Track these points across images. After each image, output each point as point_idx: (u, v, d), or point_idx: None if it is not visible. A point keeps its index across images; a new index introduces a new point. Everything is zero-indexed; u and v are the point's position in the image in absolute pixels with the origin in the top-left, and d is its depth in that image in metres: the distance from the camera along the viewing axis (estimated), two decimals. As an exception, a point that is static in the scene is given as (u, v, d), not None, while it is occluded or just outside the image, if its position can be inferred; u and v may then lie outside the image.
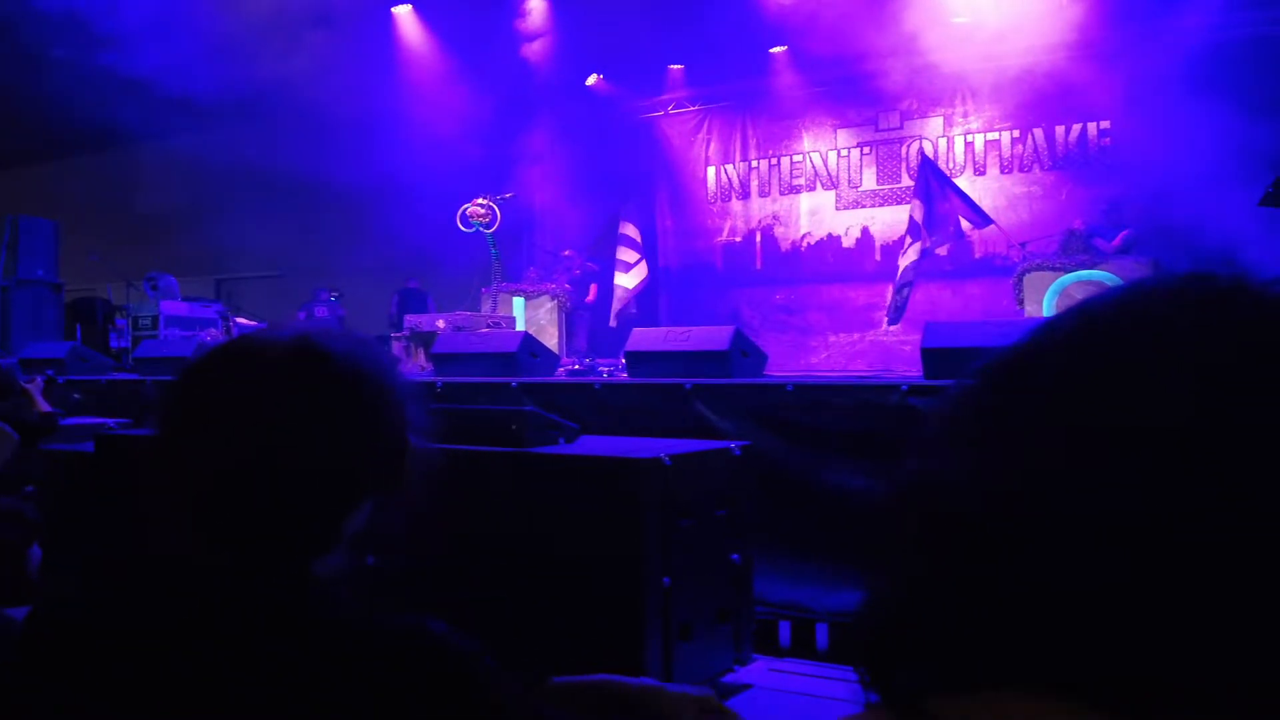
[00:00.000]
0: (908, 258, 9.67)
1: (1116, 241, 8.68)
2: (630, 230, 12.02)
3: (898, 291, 9.81)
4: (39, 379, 5.19)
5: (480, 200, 9.37)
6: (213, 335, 10.02)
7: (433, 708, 0.89)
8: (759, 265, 12.73)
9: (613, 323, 11.47)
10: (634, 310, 11.79)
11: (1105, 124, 10.53)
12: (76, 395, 6.81)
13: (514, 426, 3.62)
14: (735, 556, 3.74)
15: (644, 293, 12.14)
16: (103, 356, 8.51)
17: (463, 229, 9.44)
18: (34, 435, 4.74)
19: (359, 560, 1.03)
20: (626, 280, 11.81)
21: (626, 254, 11.88)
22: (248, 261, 15.20)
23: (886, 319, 10.25)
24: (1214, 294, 0.46)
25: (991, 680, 0.43)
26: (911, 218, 9.75)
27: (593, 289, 11.30)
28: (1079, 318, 0.49)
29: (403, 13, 12.27)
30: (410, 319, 8.16)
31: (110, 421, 5.55)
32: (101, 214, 15.72)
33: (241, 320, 10.64)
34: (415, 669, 0.89)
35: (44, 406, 5.02)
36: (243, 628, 0.90)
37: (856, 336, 11.68)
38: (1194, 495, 0.40)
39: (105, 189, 16.08)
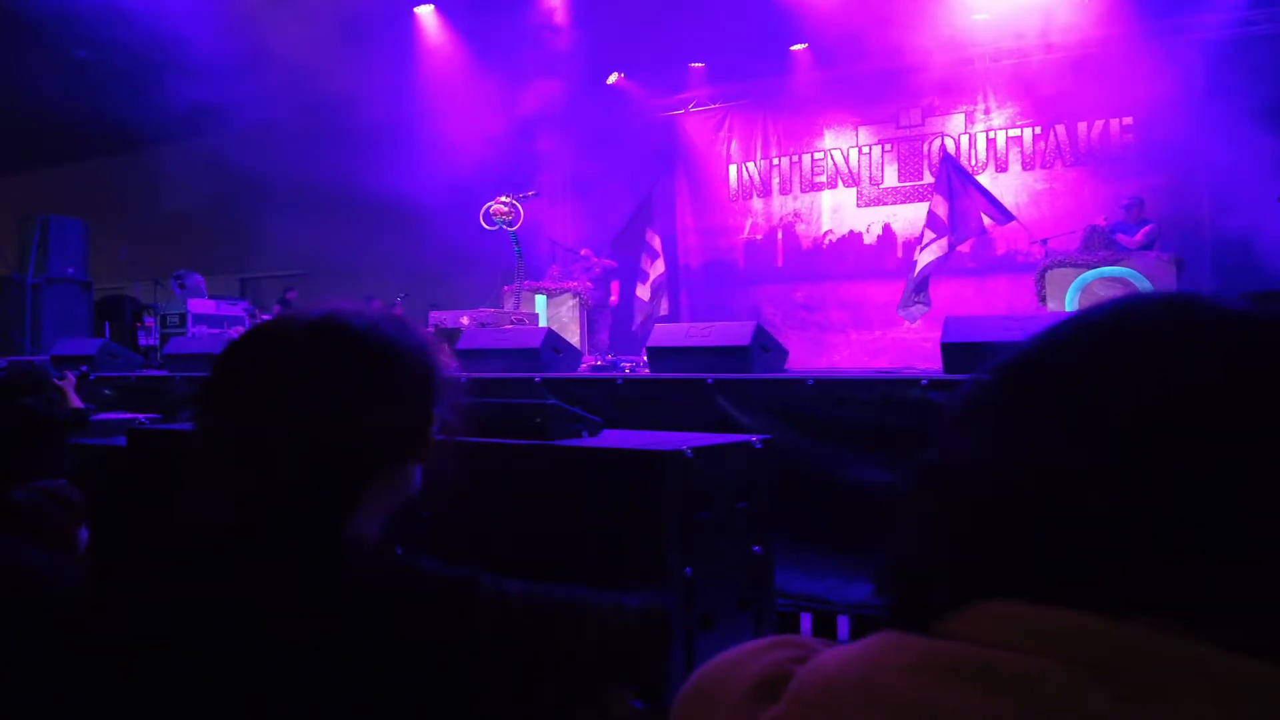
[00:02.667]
0: (927, 253, 9.66)
1: (1139, 237, 8.65)
2: (653, 240, 12.08)
3: (918, 289, 9.78)
4: (71, 375, 5.26)
5: (503, 198, 9.42)
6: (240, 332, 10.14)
7: (477, 651, 0.92)
8: (780, 263, 12.74)
9: (635, 328, 11.56)
10: (664, 312, 11.88)
11: (1127, 120, 10.48)
12: (107, 391, 6.91)
13: (537, 420, 3.67)
14: (756, 548, 3.77)
15: (665, 291, 12.19)
16: (132, 353, 8.61)
17: (486, 227, 9.50)
18: (66, 430, 4.83)
19: (398, 528, 1.07)
20: (643, 292, 11.91)
21: (647, 263, 11.99)
22: (272, 260, 15.34)
23: (906, 318, 10.23)
24: (1190, 310, 0.52)
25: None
26: (932, 212, 9.74)
27: (614, 287, 11.33)
28: (1074, 325, 0.56)
29: (425, 13, 12.37)
30: (435, 315, 8.23)
31: (141, 417, 5.62)
32: (130, 214, 15.91)
33: (268, 318, 10.75)
34: (465, 617, 0.93)
35: (76, 402, 5.12)
36: (278, 588, 0.94)
37: (878, 333, 11.67)
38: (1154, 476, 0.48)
39: (133, 189, 16.27)
